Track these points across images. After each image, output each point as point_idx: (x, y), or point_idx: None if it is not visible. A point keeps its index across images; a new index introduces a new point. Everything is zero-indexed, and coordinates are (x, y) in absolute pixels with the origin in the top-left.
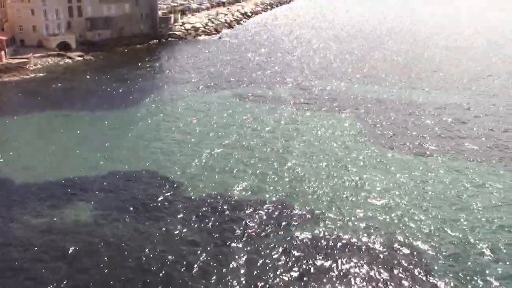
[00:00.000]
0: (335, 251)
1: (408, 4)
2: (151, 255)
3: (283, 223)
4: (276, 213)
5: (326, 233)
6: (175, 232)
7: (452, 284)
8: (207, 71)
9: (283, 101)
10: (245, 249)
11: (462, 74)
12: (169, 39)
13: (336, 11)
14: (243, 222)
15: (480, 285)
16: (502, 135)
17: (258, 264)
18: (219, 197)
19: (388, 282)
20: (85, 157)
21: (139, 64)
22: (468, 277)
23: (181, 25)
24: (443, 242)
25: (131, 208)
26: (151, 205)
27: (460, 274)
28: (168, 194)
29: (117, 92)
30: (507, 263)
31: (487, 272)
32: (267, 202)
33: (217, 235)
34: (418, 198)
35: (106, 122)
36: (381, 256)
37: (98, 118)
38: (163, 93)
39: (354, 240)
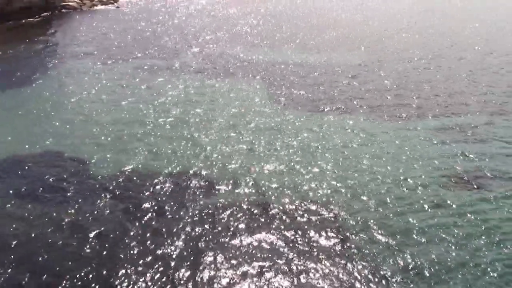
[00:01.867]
0: (234, 217)
1: None
2: (43, 242)
3: (184, 194)
4: (176, 185)
5: (225, 199)
6: (77, 218)
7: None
8: (106, 43)
9: (186, 71)
10: (147, 228)
11: (356, 36)
12: (63, 10)
13: None
14: (146, 197)
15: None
16: (388, 92)
17: (160, 241)
18: (117, 175)
19: (288, 239)
20: None
21: (31, 39)
22: (345, 220)
23: None
24: (335, 192)
25: (30, 193)
26: (51, 187)
27: (340, 216)
28: (69, 175)
29: (5, 71)
30: (386, 203)
31: (368, 215)
32: (166, 174)
33: (118, 215)
34: (312, 153)
35: None
36: (281, 216)
37: None
38: (58, 69)
39: (251, 205)
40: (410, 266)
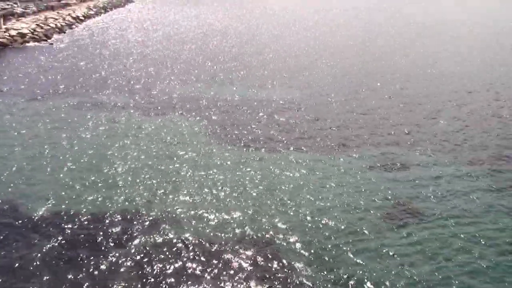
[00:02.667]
0: (161, 259)
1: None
2: None
3: (103, 237)
4: (96, 227)
5: (149, 240)
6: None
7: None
8: (33, 81)
9: (114, 107)
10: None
11: (283, 71)
12: None
13: (167, 13)
14: (62, 242)
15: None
16: (322, 126)
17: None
18: (33, 219)
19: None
20: None
21: None
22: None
23: (4, 32)
24: (264, 228)
25: None
26: None
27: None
28: None
29: None
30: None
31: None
32: (81, 214)
33: (46, 262)
34: (241, 189)
35: None
36: (209, 254)
37: None
38: None
39: (179, 244)
40: None
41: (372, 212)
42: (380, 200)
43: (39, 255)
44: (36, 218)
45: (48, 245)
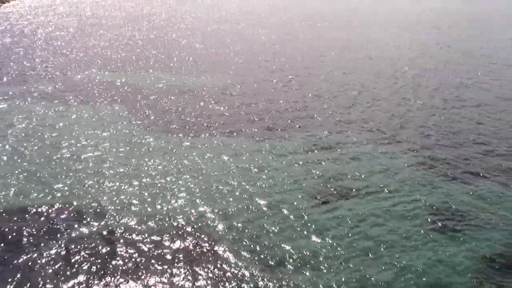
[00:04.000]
0: (71, 259)
1: None
2: None
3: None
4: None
5: (66, 235)
6: None
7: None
8: None
9: (33, 97)
10: None
11: (199, 57)
12: None
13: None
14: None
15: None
16: (248, 112)
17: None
18: None
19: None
20: None
21: None
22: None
23: None
24: (194, 219)
25: None
26: None
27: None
28: None
29: None
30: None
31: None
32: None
33: None
34: (168, 178)
35: None
36: (130, 250)
37: None
38: None
39: (99, 240)
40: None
41: (296, 192)
42: (304, 181)
43: None
44: None
45: None
